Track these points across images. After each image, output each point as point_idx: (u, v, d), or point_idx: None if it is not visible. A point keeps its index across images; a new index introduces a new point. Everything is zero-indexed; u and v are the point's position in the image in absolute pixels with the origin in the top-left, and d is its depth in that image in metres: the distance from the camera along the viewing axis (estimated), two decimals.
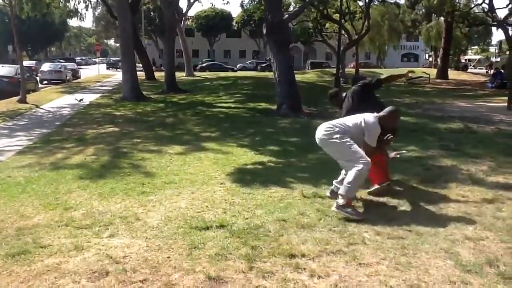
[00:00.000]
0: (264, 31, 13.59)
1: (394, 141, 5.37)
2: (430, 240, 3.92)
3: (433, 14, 39.40)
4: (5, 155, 7.84)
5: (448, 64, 38.67)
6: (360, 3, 35.27)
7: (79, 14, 32.01)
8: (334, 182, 5.12)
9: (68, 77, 31.55)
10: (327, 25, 40.92)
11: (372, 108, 5.05)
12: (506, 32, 33.53)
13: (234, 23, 62.97)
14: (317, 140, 4.97)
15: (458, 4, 33.93)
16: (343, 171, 5.07)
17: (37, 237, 4.05)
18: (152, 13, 50.48)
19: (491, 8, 32.87)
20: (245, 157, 7.45)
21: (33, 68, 32.30)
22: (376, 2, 36.05)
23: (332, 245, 3.83)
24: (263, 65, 49.51)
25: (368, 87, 5.65)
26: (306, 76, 34.34)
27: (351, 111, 5.32)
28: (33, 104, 16.38)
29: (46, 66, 32.07)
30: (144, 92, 19.37)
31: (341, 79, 23.75)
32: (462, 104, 17.43)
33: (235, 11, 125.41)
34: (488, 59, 67.24)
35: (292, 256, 3.61)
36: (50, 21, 53.56)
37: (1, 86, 19.44)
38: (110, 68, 55.19)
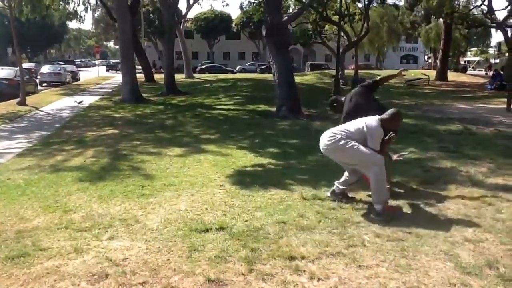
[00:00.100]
0: (264, 33, 13.61)
1: (393, 143, 5.37)
2: (429, 242, 3.92)
3: (432, 16, 39.46)
4: (4, 158, 7.84)
5: (447, 65, 38.71)
6: (359, 5, 35.24)
7: (78, 16, 32.01)
8: (336, 182, 5.11)
9: (67, 79, 31.56)
10: (327, 27, 40.94)
11: (373, 110, 5.08)
12: (505, 34, 33.55)
13: (233, 25, 63.00)
14: (322, 150, 4.96)
15: (457, 6, 33.97)
16: (346, 173, 5.08)
17: (36, 239, 4.05)
18: (151, 15, 50.48)
19: (490, 10, 32.89)
20: (245, 159, 7.45)
21: (33, 70, 32.29)
22: (375, 4, 36.05)
23: (332, 247, 3.83)
24: (263, 66, 49.54)
25: (368, 89, 5.71)
26: (306, 78, 34.36)
27: (351, 113, 5.36)
28: (32, 106, 16.38)
29: (45, 68, 32.08)
30: (143, 94, 19.37)
31: (340, 81, 23.75)
32: (461, 105, 17.44)
33: (235, 13, 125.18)
34: (487, 61, 67.31)
35: (292, 258, 3.61)
36: (50, 23, 53.53)
37: (0, 88, 19.43)
38: (110, 70, 55.20)
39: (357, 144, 4.63)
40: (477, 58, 72.90)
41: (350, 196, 5.12)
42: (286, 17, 15.37)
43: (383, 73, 37.29)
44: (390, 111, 4.85)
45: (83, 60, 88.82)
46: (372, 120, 4.73)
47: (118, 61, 42.40)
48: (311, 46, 57.76)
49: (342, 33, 28.83)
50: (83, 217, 4.65)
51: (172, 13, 24.52)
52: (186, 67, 37.54)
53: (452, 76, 37.84)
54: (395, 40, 47.10)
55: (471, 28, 38.80)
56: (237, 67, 56.51)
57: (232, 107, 16.07)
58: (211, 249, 3.78)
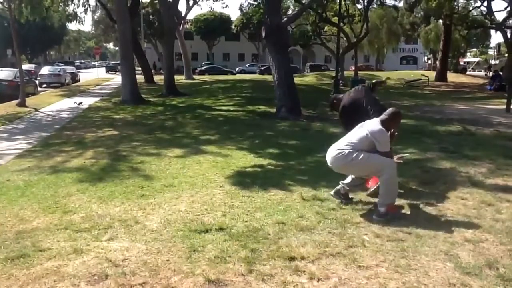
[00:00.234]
0: (263, 34, 13.62)
1: (392, 144, 5.37)
2: (429, 243, 3.92)
3: (431, 17, 39.54)
4: (4, 159, 7.84)
5: (447, 66, 38.74)
6: (359, 6, 35.30)
7: (78, 18, 31.88)
8: (341, 182, 5.07)
9: (67, 81, 31.58)
10: (326, 28, 41.02)
11: (370, 106, 5.40)
12: (504, 35, 33.64)
13: (233, 27, 63.08)
14: (332, 168, 4.92)
15: (456, 7, 34.03)
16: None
17: (36, 240, 4.05)
18: (151, 16, 50.48)
19: (490, 11, 32.95)
20: (244, 160, 7.45)
21: (32, 71, 32.27)
22: (375, 5, 36.10)
23: (332, 247, 3.83)
24: (262, 68, 49.61)
25: (367, 89, 5.92)
26: (305, 79, 34.41)
27: (348, 106, 5.71)
28: (32, 108, 16.38)
29: (45, 70, 32.11)
30: (143, 96, 19.38)
31: (340, 82, 23.78)
32: (461, 106, 17.45)
33: (234, 15, 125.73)
34: (487, 62, 67.37)
35: (292, 258, 3.60)
36: (49, 24, 53.47)
37: (0, 90, 19.43)
38: (109, 72, 55.25)
39: (365, 154, 4.58)
40: (476, 59, 72.96)
41: (349, 196, 5.11)
42: (285, 19, 15.40)
43: (382, 74, 37.48)
44: (389, 111, 4.85)
45: (82, 61, 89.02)
46: (373, 125, 4.69)
47: (117, 62, 42.46)
48: (310, 47, 57.88)
49: (341, 35, 28.86)
50: (82, 218, 4.65)
51: (172, 15, 24.52)
52: (185, 68, 37.58)
53: (451, 77, 37.85)
54: (395, 41, 47.19)
55: (470, 29, 38.86)
56: (237, 68, 56.58)
57: (231, 108, 16.07)
58: (210, 250, 3.78)
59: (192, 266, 3.51)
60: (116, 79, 33.70)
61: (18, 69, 18.68)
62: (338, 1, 24.72)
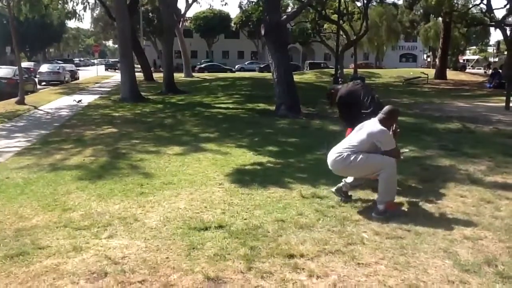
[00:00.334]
0: (262, 32, 13.60)
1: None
2: (428, 240, 3.93)
3: (431, 15, 39.49)
4: (3, 157, 7.83)
5: (446, 64, 38.73)
6: (358, 4, 35.34)
7: (77, 15, 31.78)
8: (343, 180, 5.08)
9: (66, 78, 31.54)
10: (326, 26, 41.01)
11: (366, 98, 5.66)
12: (504, 32, 33.62)
13: (232, 24, 62.99)
14: (333, 171, 4.95)
15: (456, 5, 34.00)
16: None
17: (35, 238, 4.05)
18: (150, 14, 50.43)
19: (489, 9, 32.92)
20: (244, 157, 7.45)
21: (32, 69, 32.26)
22: (374, 3, 36.08)
23: (331, 245, 3.83)
24: (262, 65, 49.60)
25: (365, 85, 6.10)
26: (305, 76, 34.39)
27: (345, 96, 5.86)
28: (31, 106, 16.36)
29: (44, 67, 32.06)
30: (142, 93, 19.38)
31: (339, 79, 23.76)
32: (461, 104, 17.45)
33: (234, 12, 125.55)
34: (486, 59, 67.38)
35: (291, 256, 3.61)
36: (48, 22, 53.41)
37: None
38: (109, 69, 55.27)
39: (364, 155, 4.59)
40: (476, 57, 73.00)
41: (349, 194, 5.11)
42: (285, 16, 15.37)
43: (382, 72, 37.43)
44: (385, 110, 4.83)
45: (82, 59, 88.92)
46: (372, 126, 4.68)
47: (117, 60, 42.43)
48: (310, 45, 57.85)
49: (341, 32, 28.85)
50: (82, 215, 4.65)
51: (171, 12, 24.51)
52: (185, 66, 37.56)
53: (451, 74, 37.85)
54: (394, 39, 47.15)
55: (470, 26, 38.83)
56: (236, 66, 56.51)
57: (231, 106, 16.07)
58: (210, 247, 3.78)
59: (192, 263, 3.51)
60: (115, 77, 33.70)
61: (17, 67, 18.67)
62: None
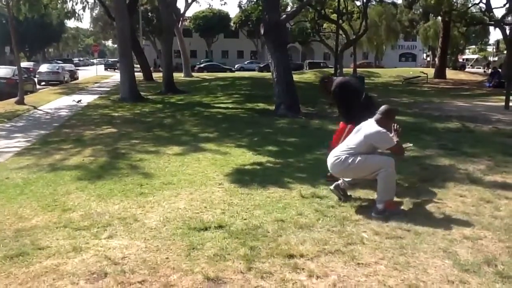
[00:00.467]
0: (262, 31, 13.60)
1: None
2: (428, 240, 3.93)
3: (430, 14, 39.48)
4: (3, 157, 7.83)
5: (445, 63, 38.73)
6: (358, 3, 35.36)
7: (76, 15, 31.75)
8: (342, 177, 5.10)
9: (66, 78, 31.52)
10: (325, 25, 40.98)
11: (359, 91, 5.91)
12: (503, 32, 33.64)
13: (232, 24, 62.93)
14: (332, 173, 5.00)
15: (455, 4, 34.02)
16: None
17: (35, 238, 4.05)
18: (149, 13, 50.37)
19: (489, 8, 32.94)
20: (243, 157, 7.45)
21: (31, 69, 32.24)
22: (374, 2, 36.11)
23: (331, 245, 3.84)
24: (261, 65, 49.60)
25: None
26: (304, 76, 34.36)
27: (341, 86, 5.91)
28: (31, 106, 16.35)
29: (44, 67, 32.05)
30: (142, 93, 19.38)
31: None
32: (460, 103, 17.45)
33: (233, 12, 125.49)
34: (486, 59, 67.38)
35: (291, 256, 3.61)
36: (48, 22, 53.38)
37: None
38: (108, 69, 55.25)
39: (362, 157, 4.62)
40: (475, 56, 72.95)
41: (348, 194, 5.12)
42: (284, 16, 15.36)
43: (381, 72, 37.41)
44: (382, 110, 4.82)
45: (81, 59, 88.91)
46: (369, 128, 4.69)
47: (116, 60, 42.40)
48: (309, 44, 57.85)
49: (340, 32, 28.84)
50: (81, 216, 4.65)
51: (171, 12, 24.49)
52: (184, 66, 37.55)
53: (450, 74, 37.85)
54: (394, 38, 47.19)
55: (469, 26, 38.84)
56: (236, 66, 56.50)
57: (230, 106, 16.07)
58: (210, 248, 3.78)
59: (191, 264, 3.51)
60: (115, 76, 33.70)
61: (16, 67, 18.66)
62: None
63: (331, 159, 4.86)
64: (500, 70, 30.31)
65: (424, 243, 3.87)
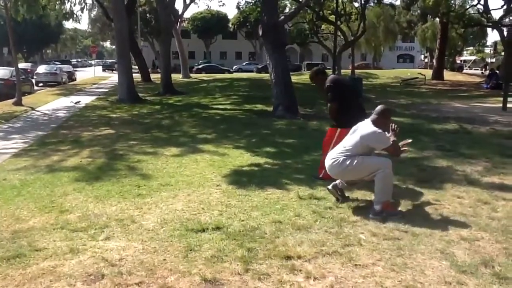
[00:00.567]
0: (260, 32, 13.61)
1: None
2: (425, 241, 3.93)
3: (428, 15, 39.59)
4: (0, 158, 7.81)
5: (443, 65, 38.83)
6: (356, 5, 35.35)
7: (74, 16, 31.76)
8: None
9: (63, 79, 31.49)
10: (323, 26, 41.07)
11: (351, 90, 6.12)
12: (501, 33, 33.78)
13: (230, 25, 63.00)
14: (330, 174, 5.00)
15: (453, 5, 34.10)
16: None
17: (32, 240, 4.04)
18: (148, 15, 50.36)
19: (486, 9, 33.04)
20: (241, 158, 7.45)
21: (29, 70, 32.22)
22: (372, 4, 36.15)
23: (328, 246, 3.83)
24: (260, 66, 49.62)
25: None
26: (302, 77, 34.35)
27: (335, 82, 5.92)
28: (28, 107, 16.33)
29: (41, 68, 32.00)
30: (140, 94, 19.37)
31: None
32: (458, 104, 17.49)
33: (231, 13, 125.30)
34: (483, 60, 67.54)
35: (288, 257, 3.60)
36: (46, 23, 53.32)
37: None
38: (106, 70, 55.20)
39: (359, 158, 4.63)
40: (473, 57, 73.18)
41: (346, 195, 5.12)
42: (282, 17, 15.39)
43: (379, 73, 37.41)
44: (377, 110, 4.82)
45: (79, 60, 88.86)
46: (364, 128, 4.69)
47: (114, 61, 42.38)
48: (307, 45, 57.88)
49: (338, 33, 28.87)
50: (79, 217, 4.64)
51: (169, 13, 24.49)
52: (182, 67, 37.53)
53: (448, 75, 37.93)
54: (392, 40, 47.32)
55: (467, 27, 38.92)
56: (234, 67, 56.52)
57: (228, 107, 16.07)
58: (207, 249, 3.78)
59: (189, 265, 3.51)
60: (113, 77, 33.64)
61: (14, 68, 18.62)
62: None
63: (328, 161, 4.88)
64: (497, 71, 30.38)
65: (422, 244, 3.87)
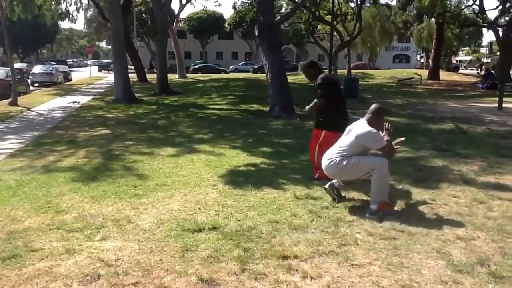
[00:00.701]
0: (256, 32, 13.61)
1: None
2: (422, 241, 3.94)
3: (424, 16, 39.68)
4: None
5: (439, 65, 38.95)
6: (352, 5, 35.42)
7: (70, 16, 31.63)
8: None
9: (59, 80, 31.40)
10: (319, 26, 41.11)
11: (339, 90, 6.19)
12: (496, 33, 33.87)
13: (226, 25, 62.97)
14: (327, 175, 5.02)
15: (449, 6, 34.20)
16: None
17: (28, 240, 4.02)
18: (144, 15, 50.32)
19: (482, 10, 33.14)
20: (238, 158, 7.45)
21: (24, 70, 32.05)
22: (368, 4, 36.20)
23: (325, 246, 3.84)
24: (256, 66, 49.61)
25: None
26: (299, 77, 34.37)
27: (328, 79, 6.04)
28: (24, 107, 16.28)
29: (37, 68, 31.91)
30: (136, 94, 19.34)
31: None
32: (453, 104, 17.54)
33: (227, 13, 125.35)
34: (479, 60, 67.80)
35: (285, 257, 3.60)
36: (42, 23, 53.17)
37: None
38: (102, 70, 55.04)
39: (355, 158, 4.65)
40: (468, 58, 73.42)
41: (342, 195, 5.13)
42: (278, 17, 15.39)
43: (375, 73, 37.51)
44: (372, 109, 4.83)
45: (75, 60, 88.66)
46: (359, 128, 4.71)
47: (110, 61, 42.31)
48: (304, 45, 57.91)
49: (334, 33, 28.92)
50: (75, 217, 4.62)
51: (165, 13, 24.45)
52: (179, 67, 37.49)
53: (444, 75, 38.04)
54: (388, 40, 47.40)
55: (463, 27, 39.07)
56: (230, 67, 56.49)
57: (225, 107, 16.06)
58: (204, 249, 3.78)
59: (185, 265, 3.50)
60: (109, 78, 33.59)
61: (9, 68, 18.56)
62: None
63: (325, 161, 4.89)
64: (493, 71, 30.53)
65: (418, 243, 3.88)
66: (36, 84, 28.77)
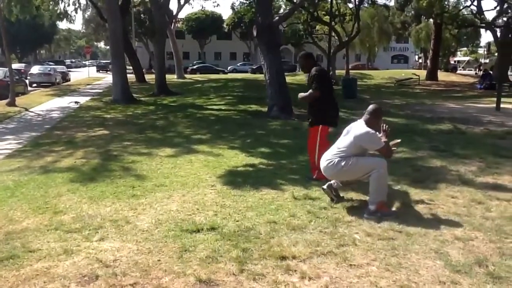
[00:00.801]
0: (254, 33, 13.61)
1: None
2: (420, 241, 3.94)
3: (422, 16, 39.75)
4: None
5: (437, 65, 39.00)
6: (350, 5, 35.43)
7: (68, 17, 31.69)
8: None
9: (57, 80, 31.36)
10: (318, 27, 41.07)
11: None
12: (494, 34, 33.95)
13: (224, 25, 62.94)
14: (325, 176, 5.02)
15: (447, 6, 34.25)
16: None
17: (26, 241, 4.01)
18: (142, 15, 50.25)
19: (480, 10, 33.22)
20: (236, 159, 7.45)
21: (23, 70, 32.05)
22: (366, 4, 36.24)
23: (323, 246, 3.84)
24: (254, 67, 49.63)
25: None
26: (297, 78, 34.41)
27: (321, 73, 5.90)
28: (22, 107, 16.26)
29: (35, 69, 31.85)
30: (134, 95, 19.32)
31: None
32: (452, 105, 17.56)
33: (226, 13, 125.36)
34: (477, 61, 67.92)
35: (283, 258, 3.60)
36: (40, 23, 53.11)
37: None
38: (100, 71, 55.01)
39: (354, 159, 4.66)
40: (467, 58, 73.54)
41: (341, 195, 5.13)
42: (277, 18, 15.40)
43: (374, 73, 37.54)
44: (369, 109, 4.83)
45: (73, 60, 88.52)
46: (357, 129, 4.71)
47: (108, 61, 42.22)
48: (302, 46, 57.91)
49: (333, 34, 28.93)
50: (73, 218, 4.62)
51: (163, 14, 24.45)
52: (177, 68, 37.49)
53: (442, 76, 38.11)
54: (386, 40, 47.44)
55: (461, 28, 39.11)
56: (229, 67, 56.48)
57: (223, 107, 16.06)
58: (202, 250, 3.77)
59: (183, 266, 3.50)
60: (107, 78, 33.56)
61: (7, 68, 18.54)
62: (330, 0, 24.75)
63: (323, 162, 4.89)
64: (491, 72, 30.58)
65: (416, 244, 3.88)
66: (34, 85, 28.73)
